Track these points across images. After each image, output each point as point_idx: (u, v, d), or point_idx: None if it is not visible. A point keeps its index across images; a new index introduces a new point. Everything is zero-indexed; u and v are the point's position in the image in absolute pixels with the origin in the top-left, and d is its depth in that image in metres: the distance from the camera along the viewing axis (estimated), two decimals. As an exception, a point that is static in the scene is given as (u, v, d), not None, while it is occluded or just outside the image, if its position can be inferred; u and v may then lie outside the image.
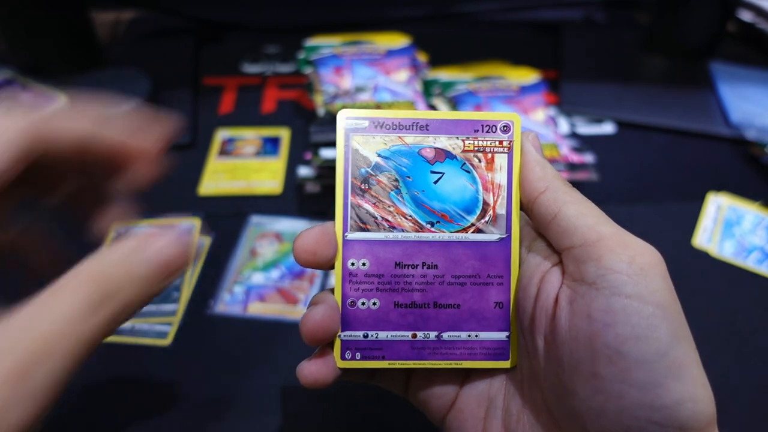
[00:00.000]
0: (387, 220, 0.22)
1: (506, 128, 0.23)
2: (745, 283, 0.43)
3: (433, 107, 0.54)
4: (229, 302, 0.42)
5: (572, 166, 0.49)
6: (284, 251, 0.45)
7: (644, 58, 0.64)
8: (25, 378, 0.15)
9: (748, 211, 0.49)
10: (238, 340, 0.40)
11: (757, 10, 0.69)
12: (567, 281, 0.21)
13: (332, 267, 0.23)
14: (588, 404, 0.19)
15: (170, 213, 0.45)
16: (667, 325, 0.18)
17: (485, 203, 0.23)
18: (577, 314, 0.20)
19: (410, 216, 0.23)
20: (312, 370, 0.22)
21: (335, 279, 0.23)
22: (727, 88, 0.60)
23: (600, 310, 0.19)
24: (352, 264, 0.23)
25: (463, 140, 0.23)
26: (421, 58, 0.59)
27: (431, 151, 0.23)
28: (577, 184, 0.51)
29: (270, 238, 0.47)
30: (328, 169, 0.47)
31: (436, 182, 0.23)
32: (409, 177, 0.23)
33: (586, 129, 0.57)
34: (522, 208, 0.23)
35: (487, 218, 0.23)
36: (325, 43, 0.56)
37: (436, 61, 0.59)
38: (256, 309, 0.41)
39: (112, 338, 0.40)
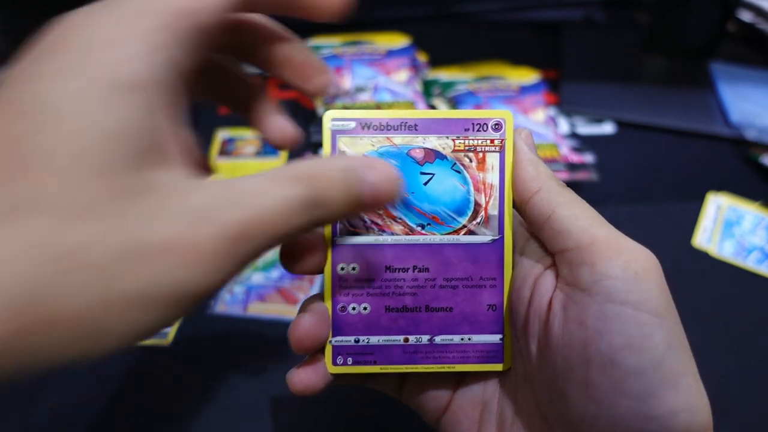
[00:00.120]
0: (376, 223, 0.22)
1: (498, 126, 0.22)
2: (744, 283, 0.43)
3: (433, 107, 0.54)
4: (229, 302, 0.42)
5: (572, 166, 0.49)
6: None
7: (644, 58, 0.64)
8: (235, 244, 0.15)
9: (748, 211, 0.49)
10: (238, 340, 0.40)
11: (757, 10, 0.69)
12: (561, 285, 0.20)
13: (321, 271, 0.22)
14: (581, 412, 0.19)
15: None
16: (662, 334, 0.18)
17: (477, 204, 0.22)
18: (571, 320, 0.19)
19: (400, 219, 0.22)
20: (302, 378, 0.22)
21: (325, 284, 0.22)
22: (727, 88, 0.60)
23: (593, 317, 0.18)
24: (342, 269, 0.22)
25: (453, 140, 0.22)
26: (421, 58, 0.59)
27: (420, 151, 0.22)
28: (576, 185, 0.51)
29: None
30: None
31: (425, 183, 0.22)
32: None
33: (586, 129, 0.57)
34: (515, 208, 0.22)
35: (479, 219, 0.22)
36: (325, 43, 0.56)
37: (436, 61, 0.59)
38: (256, 309, 0.41)
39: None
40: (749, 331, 0.40)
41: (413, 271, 0.22)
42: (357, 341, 0.23)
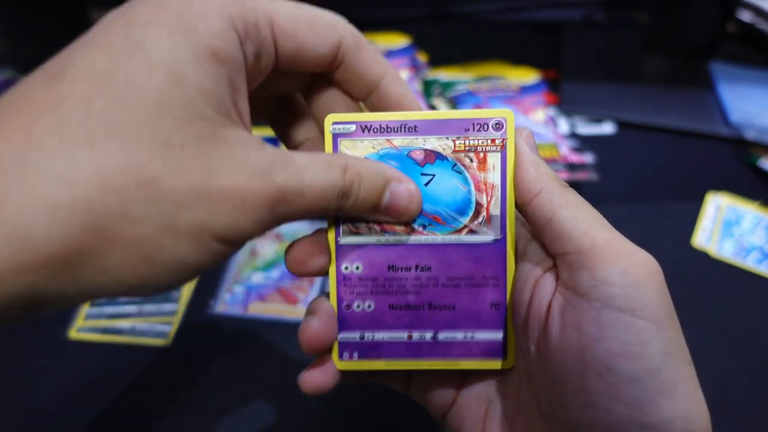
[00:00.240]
0: (378, 224, 0.22)
1: (499, 125, 0.22)
2: (744, 283, 0.43)
3: (433, 107, 0.54)
4: (229, 302, 0.42)
5: (572, 166, 0.49)
6: (284, 251, 0.45)
7: (644, 58, 0.65)
8: (277, 204, 0.18)
9: (748, 211, 0.49)
10: (238, 340, 0.40)
11: (757, 10, 0.69)
12: (560, 288, 0.20)
13: (325, 274, 0.23)
14: (578, 417, 0.19)
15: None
16: (659, 341, 0.18)
17: (478, 204, 0.22)
18: (569, 325, 0.19)
19: None
20: (313, 378, 0.23)
21: (330, 283, 0.23)
22: (726, 88, 0.60)
23: (591, 322, 0.18)
24: (346, 268, 0.23)
25: (453, 140, 0.22)
26: (421, 58, 0.59)
27: (421, 153, 0.22)
28: (576, 185, 0.51)
29: (270, 238, 0.47)
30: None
31: (426, 184, 0.22)
32: None
33: (586, 129, 0.57)
34: (517, 209, 0.22)
35: (480, 219, 0.22)
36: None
37: (436, 61, 0.59)
38: (256, 309, 0.41)
39: (112, 338, 0.40)
40: (749, 331, 0.40)
41: (416, 270, 0.22)
42: (362, 337, 0.23)
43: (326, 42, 0.20)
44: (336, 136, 0.22)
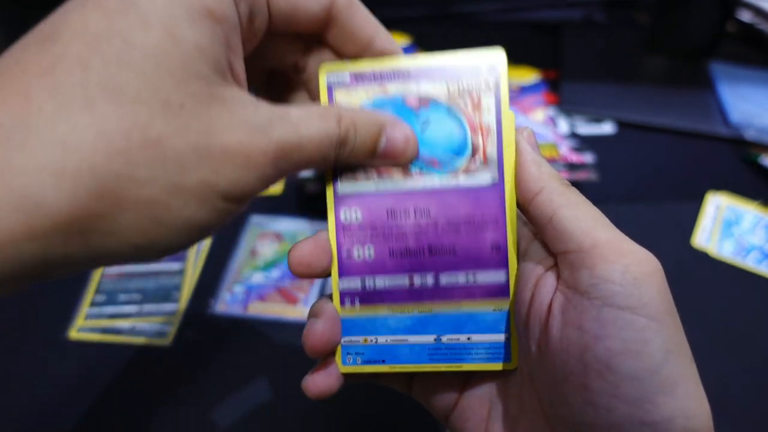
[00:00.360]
0: (375, 169, 0.23)
1: (491, 68, 0.22)
2: (744, 282, 0.43)
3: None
4: (229, 302, 0.42)
5: (572, 166, 0.49)
6: (284, 251, 0.45)
7: (644, 58, 0.65)
8: (279, 158, 0.18)
9: (747, 210, 0.49)
10: (238, 340, 0.40)
11: (757, 10, 0.69)
12: (561, 287, 0.20)
13: (328, 275, 0.23)
14: (579, 415, 0.19)
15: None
16: (660, 339, 0.18)
17: (474, 146, 0.22)
18: (569, 324, 0.19)
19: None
20: (317, 382, 0.23)
21: (329, 232, 0.23)
22: (726, 88, 0.60)
23: (591, 321, 0.18)
24: (345, 217, 0.23)
25: (447, 84, 0.22)
26: (421, 58, 0.59)
27: (415, 98, 0.22)
28: (576, 184, 0.51)
29: (270, 238, 0.47)
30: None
31: (422, 129, 0.22)
32: None
33: (586, 129, 0.57)
34: (519, 207, 0.23)
35: (477, 161, 0.22)
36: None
37: (436, 61, 0.59)
38: (257, 308, 0.41)
39: (112, 338, 0.40)
40: (748, 330, 0.40)
41: (414, 215, 0.23)
42: (364, 283, 0.23)
43: (319, 0, 0.20)
44: (330, 86, 0.22)
